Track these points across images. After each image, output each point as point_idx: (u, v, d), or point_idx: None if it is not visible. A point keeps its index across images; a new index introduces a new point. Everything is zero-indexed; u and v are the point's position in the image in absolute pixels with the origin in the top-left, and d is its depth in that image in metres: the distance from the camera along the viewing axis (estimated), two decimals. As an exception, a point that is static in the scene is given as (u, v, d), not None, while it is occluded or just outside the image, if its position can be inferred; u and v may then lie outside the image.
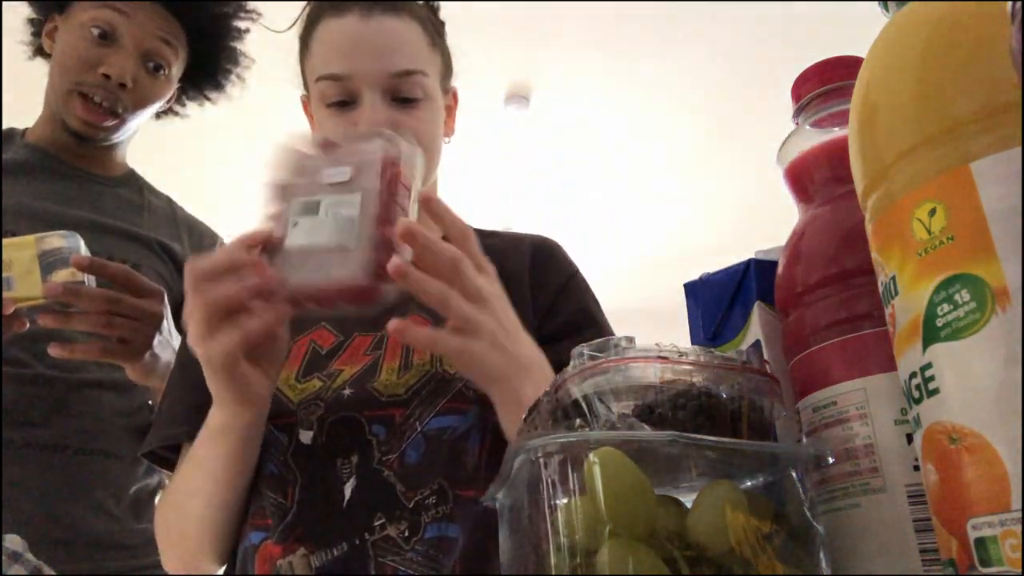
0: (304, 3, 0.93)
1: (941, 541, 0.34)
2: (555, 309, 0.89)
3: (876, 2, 0.42)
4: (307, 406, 0.78)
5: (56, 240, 0.92)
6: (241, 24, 1.29)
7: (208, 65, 1.29)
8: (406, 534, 0.73)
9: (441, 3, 0.98)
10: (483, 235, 0.79)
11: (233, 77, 1.32)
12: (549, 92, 3.53)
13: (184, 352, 0.89)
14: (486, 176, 3.91)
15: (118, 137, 1.22)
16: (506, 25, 3.13)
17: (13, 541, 0.63)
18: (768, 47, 3.23)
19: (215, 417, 0.70)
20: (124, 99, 1.16)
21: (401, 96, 0.86)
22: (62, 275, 0.91)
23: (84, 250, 0.94)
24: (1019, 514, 0.30)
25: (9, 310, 0.91)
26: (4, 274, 0.89)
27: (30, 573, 0.62)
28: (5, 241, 0.90)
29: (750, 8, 3.08)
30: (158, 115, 1.29)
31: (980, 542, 0.31)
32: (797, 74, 0.54)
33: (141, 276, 0.99)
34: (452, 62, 0.96)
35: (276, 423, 0.78)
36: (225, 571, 0.81)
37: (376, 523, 0.73)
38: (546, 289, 0.91)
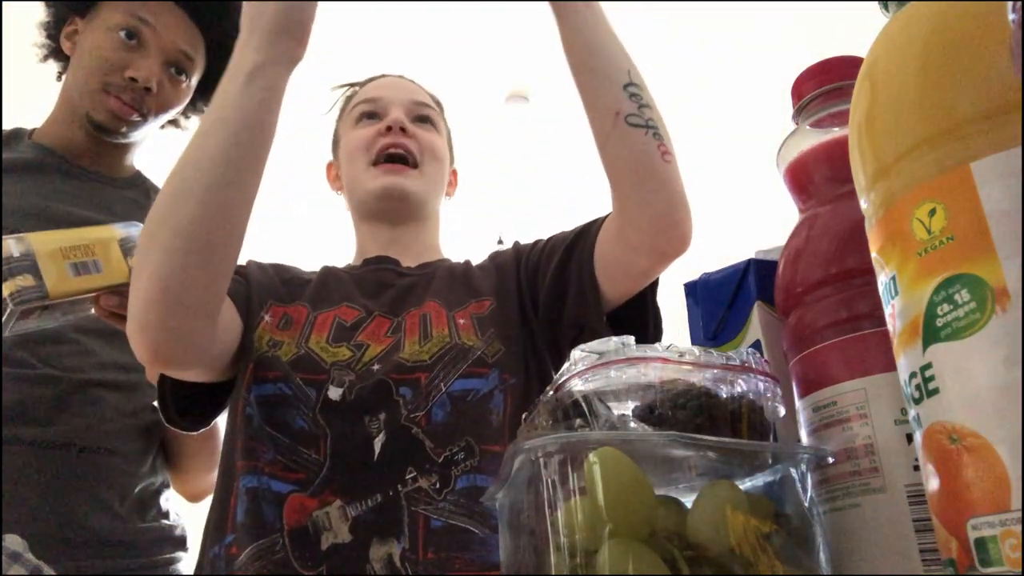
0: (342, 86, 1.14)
1: (941, 541, 0.34)
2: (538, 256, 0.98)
3: (876, 2, 0.42)
4: (340, 368, 0.83)
5: (131, 231, 0.92)
6: None
7: (221, 77, 1.30)
8: (437, 486, 0.78)
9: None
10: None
11: None
12: (549, 92, 3.53)
13: None
14: (486, 175, 3.91)
15: (135, 136, 1.23)
16: (507, 25, 3.13)
17: (13, 541, 0.63)
18: (768, 47, 3.23)
19: (255, 53, 0.74)
20: (148, 101, 1.18)
21: (419, 117, 1.04)
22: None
23: None
24: (1019, 514, 0.30)
25: (106, 300, 0.90)
26: (91, 258, 0.88)
27: (30, 573, 0.61)
28: (80, 230, 0.90)
29: (749, 8, 3.08)
30: (162, 124, 1.30)
31: (980, 542, 0.31)
32: (797, 74, 0.54)
33: None
34: (454, 153, 1.13)
35: (306, 378, 0.82)
36: (240, 513, 0.80)
37: (408, 476, 0.78)
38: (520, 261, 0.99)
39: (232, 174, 0.73)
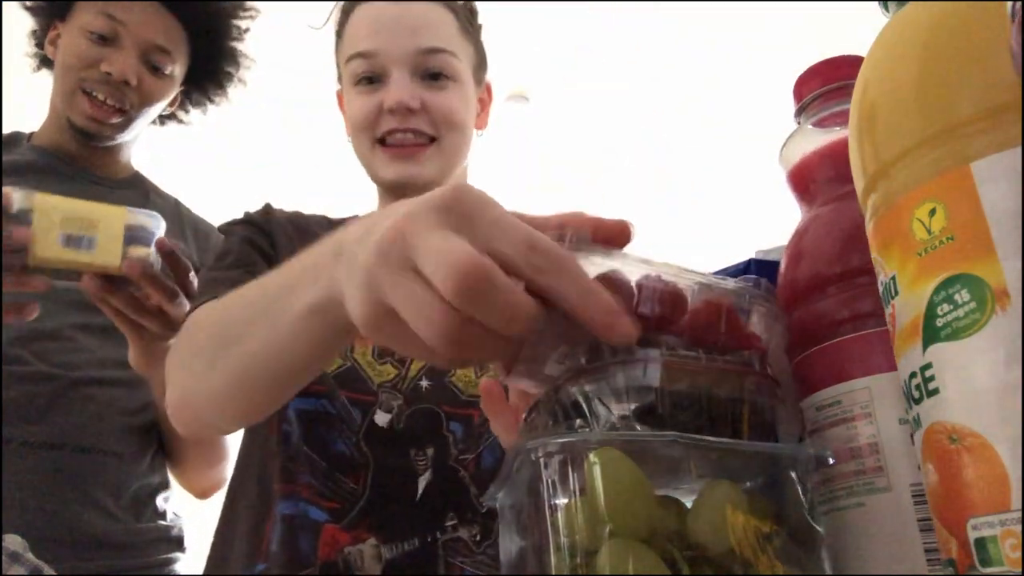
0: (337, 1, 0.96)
1: (941, 541, 0.34)
2: None
3: (876, 2, 0.42)
4: (388, 391, 0.77)
5: (143, 218, 0.88)
6: (241, 23, 1.29)
7: (210, 65, 1.29)
8: (477, 538, 0.73)
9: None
10: None
11: (235, 78, 1.33)
12: (549, 92, 3.53)
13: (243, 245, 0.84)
14: (485, 174, 3.91)
15: (124, 136, 1.22)
16: (507, 24, 3.13)
17: (13, 541, 0.62)
18: (769, 47, 3.23)
19: (318, 295, 0.48)
20: (129, 96, 1.16)
21: (429, 73, 0.87)
22: (138, 252, 0.86)
23: (163, 233, 0.90)
24: (1019, 514, 0.30)
25: (88, 281, 0.85)
26: (88, 233, 0.83)
27: (30, 573, 0.61)
28: (92, 204, 0.86)
29: (750, 8, 3.07)
30: (162, 121, 1.29)
31: (980, 542, 0.31)
32: (798, 74, 0.54)
33: (194, 283, 0.93)
34: (486, 55, 0.97)
35: (352, 397, 0.76)
36: (275, 543, 0.76)
37: (448, 523, 0.73)
38: None
39: (279, 386, 0.61)
